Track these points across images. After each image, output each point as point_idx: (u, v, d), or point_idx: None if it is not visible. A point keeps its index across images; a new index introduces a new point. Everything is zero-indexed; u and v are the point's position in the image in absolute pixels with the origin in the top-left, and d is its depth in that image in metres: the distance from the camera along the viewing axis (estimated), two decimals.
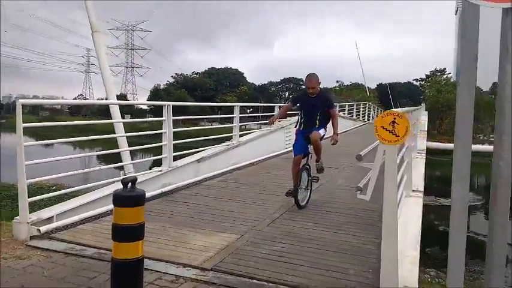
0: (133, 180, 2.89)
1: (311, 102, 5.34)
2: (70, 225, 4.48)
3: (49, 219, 4.45)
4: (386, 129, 2.71)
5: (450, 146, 19.74)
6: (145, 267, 3.09)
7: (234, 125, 8.79)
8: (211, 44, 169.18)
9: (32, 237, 4.15)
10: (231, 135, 8.89)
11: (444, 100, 29.17)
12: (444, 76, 36.54)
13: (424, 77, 42.95)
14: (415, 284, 3.16)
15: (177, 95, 61.38)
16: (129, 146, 8.96)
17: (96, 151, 21.02)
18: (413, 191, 5.21)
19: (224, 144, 8.60)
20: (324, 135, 5.49)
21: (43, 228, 4.23)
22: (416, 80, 50.74)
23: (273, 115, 6.81)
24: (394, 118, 2.68)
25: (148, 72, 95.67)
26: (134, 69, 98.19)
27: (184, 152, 7.48)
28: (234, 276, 3.36)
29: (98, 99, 53.97)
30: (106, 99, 10.48)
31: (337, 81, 53.32)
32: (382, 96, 47.26)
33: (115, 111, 8.56)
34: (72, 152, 28.70)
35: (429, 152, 23.43)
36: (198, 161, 7.46)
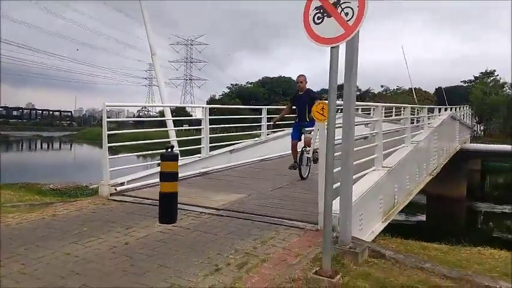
0: (172, 147, 4.88)
1: (300, 98, 7.09)
2: (135, 188, 6.57)
3: (122, 184, 6.57)
4: (318, 112, 4.40)
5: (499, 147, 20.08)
6: (179, 207, 5.03)
7: (262, 124, 10.62)
8: (267, 54, 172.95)
9: (111, 194, 6.26)
10: (261, 133, 10.73)
11: (491, 102, 28.85)
12: (491, 78, 35.76)
13: (473, 78, 42.09)
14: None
15: (231, 104, 64.29)
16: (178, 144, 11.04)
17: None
18: (383, 166, 6.66)
19: (253, 139, 10.46)
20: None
21: (118, 189, 6.36)
22: (465, 82, 49.29)
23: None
24: (323, 106, 4.36)
25: (205, 83, 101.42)
26: (193, 81, 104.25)
27: (220, 143, 9.45)
28: (235, 212, 5.20)
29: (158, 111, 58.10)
30: (158, 112, 12.74)
31: (382, 86, 53.45)
32: (440, 99, 46.21)
33: (168, 120, 10.67)
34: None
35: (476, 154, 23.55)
36: (230, 151, 9.41)
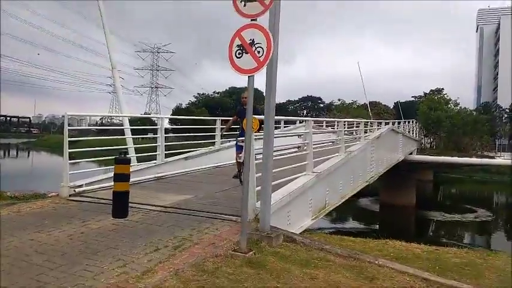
0: (125, 153, 5.71)
1: (243, 112, 8.04)
2: (92, 190, 7.28)
3: (80, 186, 7.26)
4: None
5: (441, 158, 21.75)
6: (132, 206, 5.85)
7: (216, 133, 11.54)
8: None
9: (70, 195, 6.95)
10: (215, 142, 11.64)
11: (435, 117, 31.36)
12: (439, 96, 38.88)
13: (423, 94, 45.43)
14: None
15: (197, 113, 64.65)
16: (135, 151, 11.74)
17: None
18: (313, 172, 7.74)
19: (208, 148, 11.35)
20: None
21: (77, 190, 7.06)
22: (415, 97, 52.88)
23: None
24: (253, 120, 5.35)
25: (171, 92, 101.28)
26: (158, 90, 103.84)
27: (176, 150, 10.28)
28: (180, 209, 6.08)
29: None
30: (121, 120, 13.39)
31: (339, 99, 56.19)
32: (399, 113, 49.06)
33: (127, 129, 11.41)
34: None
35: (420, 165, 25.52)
36: (185, 158, 10.25)
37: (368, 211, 25.53)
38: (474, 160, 26.11)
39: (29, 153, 61.42)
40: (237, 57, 4.39)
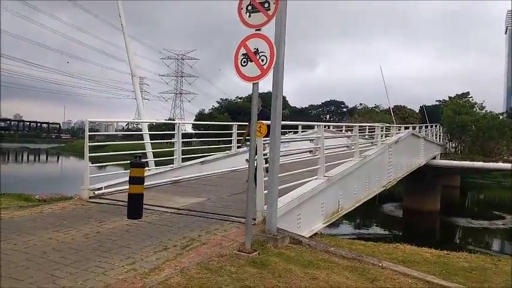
0: (140, 157, 5.98)
1: (259, 117, 8.17)
2: (111, 192, 7.60)
3: (99, 188, 7.59)
4: (257, 130, 5.55)
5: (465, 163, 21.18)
6: (147, 208, 6.10)
7: (232, 138, 11.76)
8: None
9: (90, 197, 7.29)
10: (231, 146, 11.86)
11: (460, 121, 30.59)
12: (465, 99, 37.89)
13: (447, 98, 44.39)
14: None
15: (220, 118, 65.30)
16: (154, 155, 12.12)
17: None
18: (324, 176, 7.79)
19: (224, 152, 11.58)
20: None
21: (96, 192, 7.39)
22: (439, 101, 51.76)
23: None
24: (260, 125, 5.51)
25: (195, 97, 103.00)
26: (183, 95, 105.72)
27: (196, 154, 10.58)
28: (192, 211, 6.29)
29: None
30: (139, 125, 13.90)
31: (361, 104, 55.47)
32: (424, 117, 48.08)
33: (145, 134, 11.87)
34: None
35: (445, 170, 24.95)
36: (202, 163, 10.50)
37: (391, 217, 25.19)
38: (500, 165, 25.26)
39: (58, 157, 63.58)
40: (243, 66, 4.57)
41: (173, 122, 9.30)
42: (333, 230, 16.86)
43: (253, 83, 4.52)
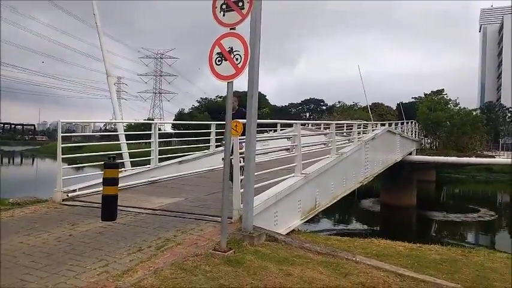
0: (114, 157, 5.89)
1: (234, 116, 8.17)
2: (85, 194, 7.46)
3: (74, 191, 7.44)
4: (233, 128, 5.55)
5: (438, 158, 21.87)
6: (122, 209, 6.02)
7: (210, 137, 11.72)
8: None
9: (63, 200, 7.13)
10: (209, 146, 11.81)
11: (434, 117, 31.38)
12: (439, 96, 38.94)
13: (423, 95, 45.58)
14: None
15: (200, 118, 64.77)
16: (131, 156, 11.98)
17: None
18: (301, 173, 7.88)
19: (202, 152, 11.52)
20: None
21: (70, 195, 7.24)
22: (415, 98, 53.07)
23: None
24: (236, 124, 5.51)
25: (175, 97, 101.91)
26: (162, 95, 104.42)
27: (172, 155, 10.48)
28: (169, 211, 6.24)
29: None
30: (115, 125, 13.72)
31: (339, 102, 56.21)
32: (401, 114, 49.07)
33: (121, 134, 11.73)
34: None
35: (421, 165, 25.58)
36: (179, 162, 10.42)
37: (370, 212, 25.65)
38: (473, 160, 26.11)
39: (33, 160, 61.88)
40: (217, 64, 4.57)
41: (151, 122, 9.12)
42: (313, 227, 17.09)
43: (227, 82, 4.52)
